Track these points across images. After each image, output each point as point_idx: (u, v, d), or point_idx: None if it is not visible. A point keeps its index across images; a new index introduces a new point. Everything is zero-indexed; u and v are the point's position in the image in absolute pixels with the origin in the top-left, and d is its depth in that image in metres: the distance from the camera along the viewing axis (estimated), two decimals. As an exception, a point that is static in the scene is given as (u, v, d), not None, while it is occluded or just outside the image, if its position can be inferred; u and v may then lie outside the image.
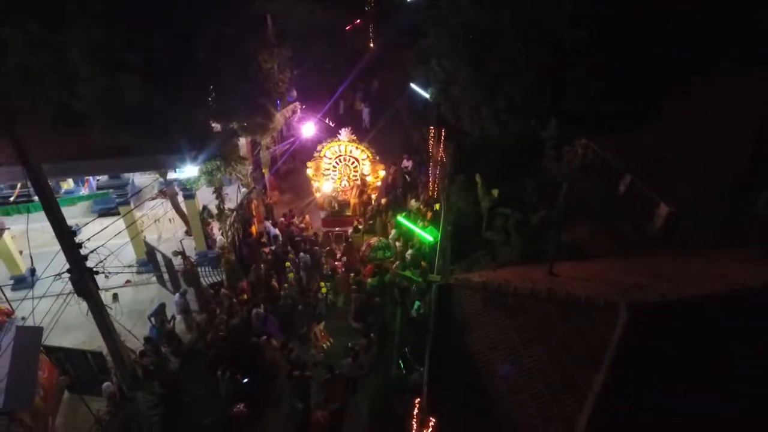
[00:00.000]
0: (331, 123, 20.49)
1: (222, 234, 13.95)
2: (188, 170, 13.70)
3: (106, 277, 9.26)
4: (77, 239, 8.50)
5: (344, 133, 16.43)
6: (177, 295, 13.36)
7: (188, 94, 11.33)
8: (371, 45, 33.57)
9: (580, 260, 11.87)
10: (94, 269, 8.58)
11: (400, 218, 14.73)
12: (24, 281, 14.87)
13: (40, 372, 9.03)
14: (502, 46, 14.04)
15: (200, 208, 15.06)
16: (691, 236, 12.98)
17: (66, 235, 8.05)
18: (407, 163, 20.40)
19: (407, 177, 20.10)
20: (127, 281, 14.58)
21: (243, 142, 19.48)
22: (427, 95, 22.62)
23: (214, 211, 14.35)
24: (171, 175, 14.22)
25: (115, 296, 13.55)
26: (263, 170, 19.04)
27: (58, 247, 8.43)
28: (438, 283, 11.87)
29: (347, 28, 29.57)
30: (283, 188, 20.77)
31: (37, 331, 8.27)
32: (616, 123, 14.45)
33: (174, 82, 11.07)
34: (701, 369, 7.14)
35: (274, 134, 16.67)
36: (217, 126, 13.64)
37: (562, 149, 15.09)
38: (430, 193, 18.63)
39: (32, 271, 8.22)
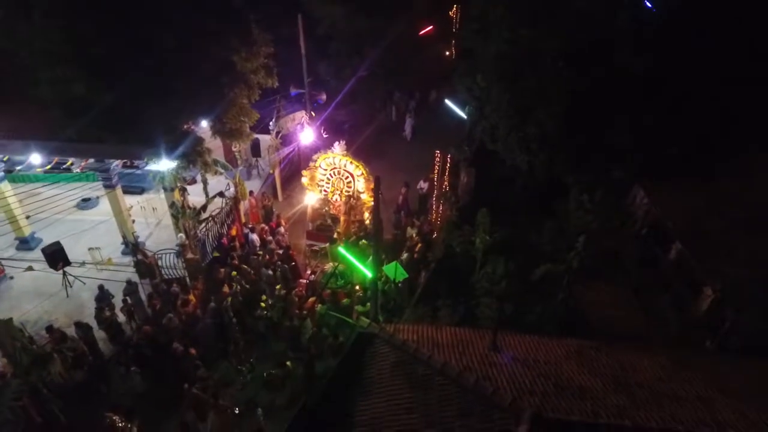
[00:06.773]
0: (325, 133, 19.43)
1: (184, 231, 13.80)
2: (163, 164, 13.73)
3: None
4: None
5: (338, 146, 15.42)
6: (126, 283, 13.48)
7: (141, 88, 11.15)
8: (447, 54, 31.89)
9: (573, 333, 9.85)
10: None
11: (341, 249, 13.32)
12: (27, 243, 16.23)
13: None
14: (541, 66, 12.36)
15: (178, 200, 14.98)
16: (735, 332, 10.64)
17: None
18: (423, 185, 18.75)
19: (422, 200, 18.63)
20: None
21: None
22: (462, 113, 20.77)
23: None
24: (150, 167, 14.34)
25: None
26: (271, 170, 18.77)
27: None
28: (360, 329, 10.35)
29: (419, 34, 28.34)
30: (289, 191, 20.08)
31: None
32: (670, 171, 12.48)
33: (125, 76, 10.99)
34: None
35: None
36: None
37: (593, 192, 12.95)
38: (432, 222, 16.92)
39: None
